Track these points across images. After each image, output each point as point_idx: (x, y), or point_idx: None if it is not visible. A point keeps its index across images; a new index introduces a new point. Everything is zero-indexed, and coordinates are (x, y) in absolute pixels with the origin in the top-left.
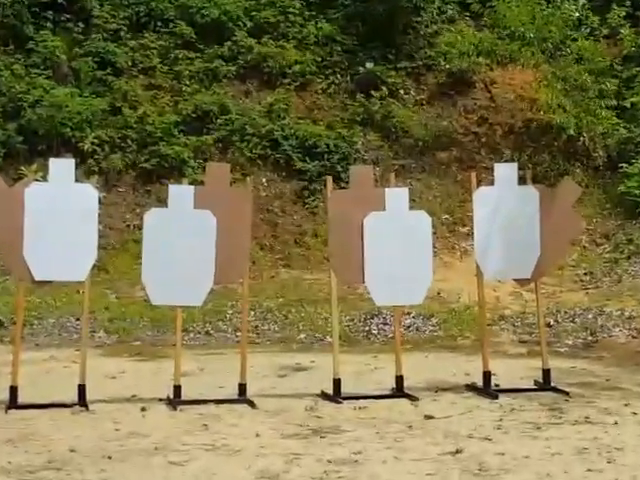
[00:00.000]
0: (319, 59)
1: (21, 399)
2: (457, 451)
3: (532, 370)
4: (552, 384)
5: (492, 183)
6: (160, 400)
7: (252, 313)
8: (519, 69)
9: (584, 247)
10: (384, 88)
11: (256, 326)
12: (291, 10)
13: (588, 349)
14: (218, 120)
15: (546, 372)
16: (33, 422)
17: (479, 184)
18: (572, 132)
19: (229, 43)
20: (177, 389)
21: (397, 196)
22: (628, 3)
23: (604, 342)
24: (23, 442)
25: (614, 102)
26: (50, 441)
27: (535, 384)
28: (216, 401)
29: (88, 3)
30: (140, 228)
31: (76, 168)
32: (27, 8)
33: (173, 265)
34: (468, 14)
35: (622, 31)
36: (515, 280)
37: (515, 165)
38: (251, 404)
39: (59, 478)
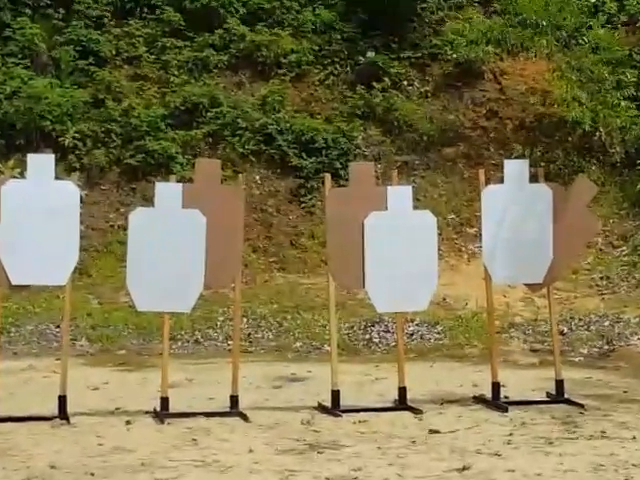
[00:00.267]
0: (317, 48)
1: None
2: (464, 468)
3: (544, 381)
4: (566, 396)
5: (502, 181)
6: (146, 413)
7: (245, 320)
8: (531, 59)
9: (600, 249)
10: (386, 79)
11: (249, 334)
12: None
13: (604, 359)
14: (208, 113)
15: (559, 383)
16: (10, 436)
17: (488, 182)
18: (588, 126)
19: (220, 31)
20: (164, 401)
21: (400, 195)
22: None
23: (621, 351)
24: (0, 457)
25: (633, 94)
26: (29, 457)
27: (547, 396)
28: (206, 414)
29: None
30: (125, 229)
31: (56, 164)
32: None
33: (160, 268)
34: (476, 0)
35: None
36: (526, 285)
37: (526, 162)
38: (244, 417)
39: None
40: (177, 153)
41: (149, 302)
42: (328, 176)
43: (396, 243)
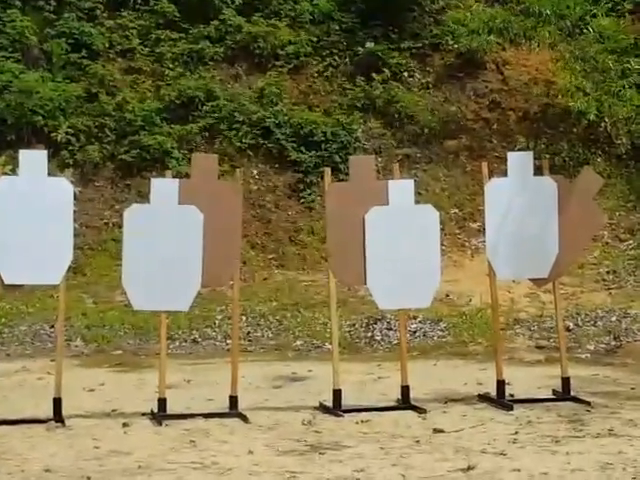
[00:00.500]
0: (315, 39)
1: None
2: (469, 468)
3: (550, 378)
4: (572, 394)
5: (505, 174)
6: (143, 415)
7: (243, 318)
8: (534, 49)
9: (606, 243)
10: (386, 70)
11: (248, 332)
12: None
13: (611, 355)
14: (204, 107)
15: (565, 380)
16: (4, 440)
17: (491, 175)
18: (593, 117)
19: (216, 22)
20: (162, 402)
21: (401, 189)
22: None
23: (629, 347)
24: None
25: (638, 83)
26: (24, 460)
27: (554, 394)
28: (205, 415)
29: None
30: (120, 226)
31: (49, 160)
32: None
33: (156, 266)
34: None
35: None
36: (531, 280)
37: (530, 154)
38: (243, 418)
39: None
40: (173, 148)
41: (145, 301)
42: (328, 170)
43: (398, 238)
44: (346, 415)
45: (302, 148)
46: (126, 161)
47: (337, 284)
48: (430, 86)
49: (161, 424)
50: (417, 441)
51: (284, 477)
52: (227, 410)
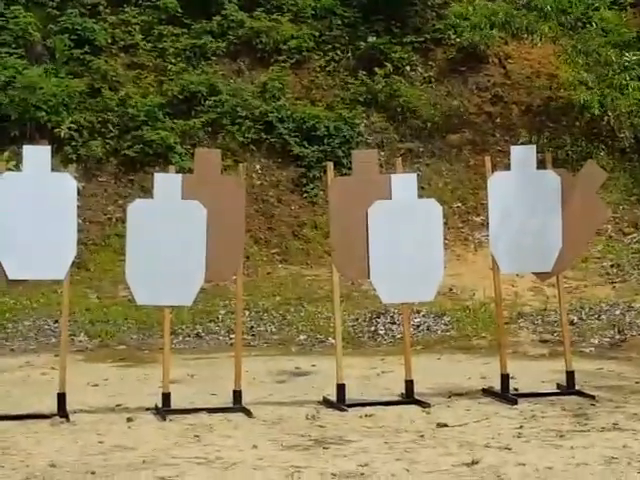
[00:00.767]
0: (317, 34)
1: None
2: (473, 462)
3: (554, 373)
4: (576, 388)
5: (508, 168)
6: (147, 409)
7: (247, 313)
8: (537, 42)
9: (610, 237)
10: (389, 65)
11: (251, 327)
12: None
13: (616, 349)
14: (207, 102)
15: (570, 374)
16: (9, 435)
17: (494, 169)
18: (596, 111)
19: (218, 17)
20: (166, 397)
21: (404, 183)
22: None
23: (633, 341)
24: None
25: None
26: (28, 455)
27: (558, 388)
28: (208, 410)
29: None
30: (123, 221)
31: (52, 156)
32: None
33: (160, 261)
34: None
35: None
36: (535, 274)
37: (533, 148)
38: (247, 413)
39: None
40: (176, 143)
41: (149, 296)
42: (330, 165)
43: (401, 233)
44: (350, 409)
45: (305, 143)
46: (129, 156)
47: (340, 278)
48: (432, 80)
49: (165, 419)
50: (421, 435)
51: (288, 472)
52: (231, 405)
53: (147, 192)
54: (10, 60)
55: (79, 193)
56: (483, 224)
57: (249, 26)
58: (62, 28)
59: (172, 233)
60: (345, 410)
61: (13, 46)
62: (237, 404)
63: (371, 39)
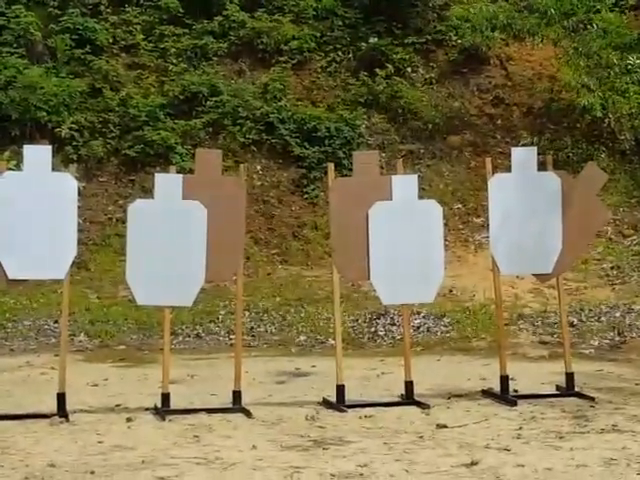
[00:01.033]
0: (318, 34)
1: None
2: (472, 463)
3: (554, 374)
4: (576, 389)
5: (509, 169)
6: (147, 410)
7: (247, 314)
8: (538, 44)
9: (610, 239)
10: (390, 66)
11: (251, 328)
12: None
13: (615, 350)
14: (208, 102)
15: (569, 376)
16: (8, 435)
17: (495, 170)
18: (597, 113)
19: (219, 18)
20: (165, 397)
21: (405, 184)
22: None
23: (633, 343)
24: None
25: None
26: (27, 455)
27: (557, 389)
28: (208, 410)
29: None
30: (123, 221)
31: (53, 156)
32: None
33: (160, 262)
34: None
35: None
36: (535, 275)
37: (534, 149)
38: (246, 413)
39: None
40: (176, 143)
41: (149, 296)
42: (331, 166)
43: (401, 234)
44: (349, 410)
45: (306, 143)
46: (130, 156)
47: (340, 279)
48: (434, 82)
49: (164, 419)
50: (421, 436)
51: (287, 472)
52: (230, 405)
53: (148, 192)
54: (11, 60)
55: (79, 193)
56: (483, 225)
57: (250, 27)
58: (63, 28)
59: (172, 233)
60: (345, 411)
61: (14, 46)
62: (237, 405)
63: (372, 40)
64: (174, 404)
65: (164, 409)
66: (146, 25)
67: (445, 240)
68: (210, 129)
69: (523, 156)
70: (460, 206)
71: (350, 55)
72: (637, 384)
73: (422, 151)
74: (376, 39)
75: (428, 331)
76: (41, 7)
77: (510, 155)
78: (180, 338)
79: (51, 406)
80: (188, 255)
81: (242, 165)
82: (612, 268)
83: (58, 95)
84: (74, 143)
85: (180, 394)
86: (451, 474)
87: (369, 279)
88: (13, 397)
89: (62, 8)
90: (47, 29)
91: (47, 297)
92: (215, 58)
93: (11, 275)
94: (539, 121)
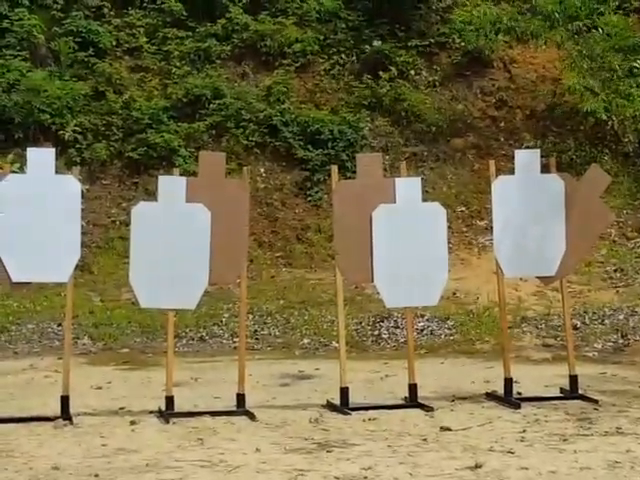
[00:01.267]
0: (322, 37)
1: None
2: (476, 466)
3: (558, 377)
4: (580, 392)
5: (512, 172)
6: (151, 412)
7: (250, 317)
8: (541, 47)
9: (614, 241)
10: (393, 69)
11: (255, 331)
12: None
13: (619, 353)
14: (211, 105)
15: (573, 379)
16: (12, 437)
17: (498, 173)
18: (600, 115)
19: (223, 20)
20: (169, 400)
21: (409, 187)
22: None
23: (636, 345)
24: (2, 459)
25: None
26: (31, 458)
27: (561, 392)
28: (212, 413)
29: None
30: (127, 224)
31: (56, 159)
32: None
33: (163, 264)
34: None
35: None
36: (538, 278)
37: (537, 152)
38: (250, 416)
39: None
40: (180, 146)
41: (153, 299)
42: (335, 168)
43: (405, 236)
44: (353, 413)
45: (309, 146)
46: (133, 159)
47: (344, 282)
48: (437, 84)
49: (168, 422)
50: (424, 439)
51: (291, 475)
52: (234, 408)
53: (151, 195)
54: (14, 63)
55: (83, 196)
56: (487, 228)
57: (254, 29)
58: (66, 31)
59: (176, 236)
60: (348, 414)
61: (17, 48)
62: (240, 407)
63: (376, 43)
64: (178, 407)
65: (168, 412)
66: (149, 28)
67: (449, 243)
68: (213, 132)
69: (526, 159)
70: (464, 209)
71: (353, 58)
72: None
73: (425, 154)
74: (379, 42)
75: (432, 334)
76: (44, 10)
77: (513, 158)
78: (184, 341)
79: (55, 409)
80: (191, 258)
81: (245, 168)
82: (616, 271)
83: (61, 98)
84: (77, 146)
85: (184, 397)
86: (455, 477)
87: (372, 282)
88: (17, 400)
89: (65, 11)
90: (50, 32)
91: (51, 300)
92: (218, 61)
93: (15, 278)
94: (542, 124)
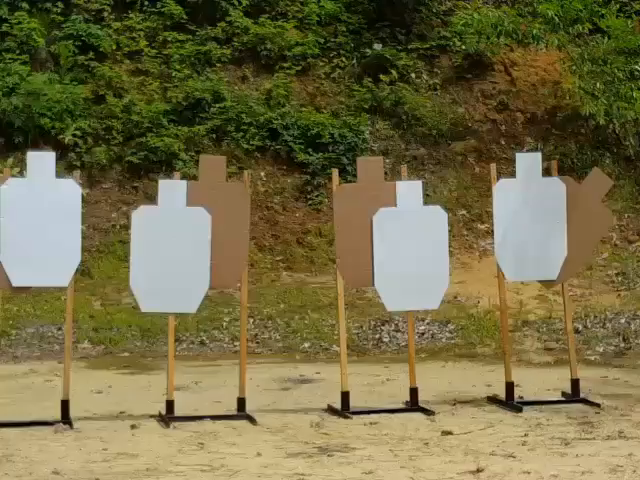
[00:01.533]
0: (322, 40)
1: None
2: (478, 470)
3: (559, 380)
4: (581, 396)
5: (513, 175)
6: (151, 417)
7: (251, 320)
8: (542, 50)
9: (615, 245)
10: (394, 72)
11: (256, 335)
12: None
13: (621, 357)
14: (212, 108)
15: (575, 382)
16: (12, 442)
17: (499, 176)
18: (601, 119)
19: (223, 24)
20: (170, 404)
21: (409, 190)
22: None
23: (638, 349)
24: (2, 464)
25: None
26: (31, 463)
27: (563, 396)
28: (213, 417)
29: None
30: (127, 228)
31: (56, 163)
32: None
33: (164, 268)
34: None
35: None
36: (540, 282)
37: (539, 155)
38: (251, 420)
39: None
40: (180, 150)
41: (153, 303)
42: (335, 172)
43: (406, 240)
44: (354, 417)
45: (310, 150)
46: (133, 163)
47: (345, 286)
48: (438, 87)
49: (169, 426)
50: (426, 443)
51: (293, 479)
52: (235, 412)
53: (151, 199)
54: (14, 66)
55: (83, 200)
56: (488, 232)
57: (254, 33)
58: (66, 34)
59: (177, 239)
60: (349, 418)
61: (17, 52)
62: (241, 411)
63: (376, 46)
64: (178, 411)
65: (169, 416)
66: (149, 31)
67: (450, 246)
68: (214, 135)
69: (528, 162)
70: (465, 212)
71: (354, 61)
72: None
73: (426, 157)
74: (380, 45)
75: (433, 338)
76: (44, 13)
77: (514, 161)
78: (184, 345)
79: (55, 413)
80: (192, 262)
81: (246, 171)
82: (617, 274)
83: (61, 102)
84: (77, 150)
85: (185, 401)
86: None
87: (373, 285)
88: (17, 404)
89: (65, 14)
90: (50, 35)
91: (51, 304)
92: (219, 64)
93: (15, 282)
94: (543, 127)
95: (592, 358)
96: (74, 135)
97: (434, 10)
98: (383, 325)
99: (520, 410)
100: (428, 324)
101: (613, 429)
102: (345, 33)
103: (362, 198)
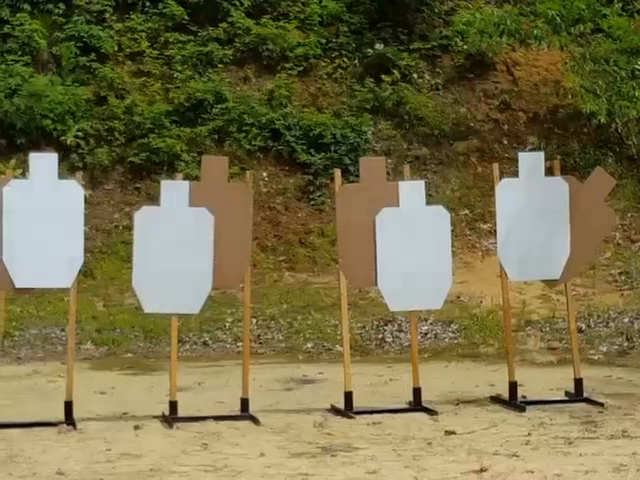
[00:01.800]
0: (324, 41)
1: (2, 418)
2: (481, 469)
3: (563, 380)
4: (585, 395)
5: (516, 175)
6: (155, 417)
7: (254, 321)
8: (544, 49)
9: (618, 244)
10: (396, 72)
11: (258, 335)
12: None
13: (624, 356)
14: (214, 109)
15: (578, 382)
16: (16, 443)
17: (502, 176)
18: (603, 118)
19: (225, 24)
20: (173, 405)
21: (412, 190)
22: None
23: None
24: (6, 465)
25: None
26: (35, 463)
27: (566, 395)
28: (216, 418)
29: None
30: (129, 229)
31: (58, 164)
32: None
33: (167, 269)
34: None
35: None
36: (543, 281)
37: (541, 154)
38: (254, 421)
39: None
40: (182, 151)
41: (156, 304)
42: (338, 172)
43: (409, 240)
44: (358, 417)
45: (312, 150)
46: (135, 164)
47: (348, 286)
48: (440, 87)
49: (172, 427)
50: (429, 443)
51: (296, 479)
52: (238, 412)
53: (153, 200)
54: (16, 68)
55: (85, 201)
56: (491, 231)
57: (256, 33)
58: (68, 35)
59: (179, 240)
60: (353, 418)
61: (19, 54)
62: (244, 412)
63: (378, 46)
64: (182, 412)
65: (172, 417)
66: (151, 32)
67: (452, 246)
68: (216, 136)
69: (530, 161)
70: (467, 212)
71: (356, 61)
72: None
73: (429, 157)
74: (382, 45)
75: (436, 337)
76: (46, 15)
77: (517, 160)
78: (187, 346)
79: (59, 414)
80: (195, 262)
81: (248, 172)
82: (620, 274)
83: (63, 103)
84: (80, 151)
85: (188, 402)
86: None
87: (376, 285)
88: (20, 405)
89: (67, 16)
90: (52, 37)
91: (54, 305)
92: (220, 65)
93: (18, 283)
94: (546, 126)
95: (595, 357)
96: (76, 136)
97: (436, 10)
98: (386, 325)
99: (523, 410)
100: (431, 324)
101: (617, 428)
102: (347, 33)
103: (364, 198)
